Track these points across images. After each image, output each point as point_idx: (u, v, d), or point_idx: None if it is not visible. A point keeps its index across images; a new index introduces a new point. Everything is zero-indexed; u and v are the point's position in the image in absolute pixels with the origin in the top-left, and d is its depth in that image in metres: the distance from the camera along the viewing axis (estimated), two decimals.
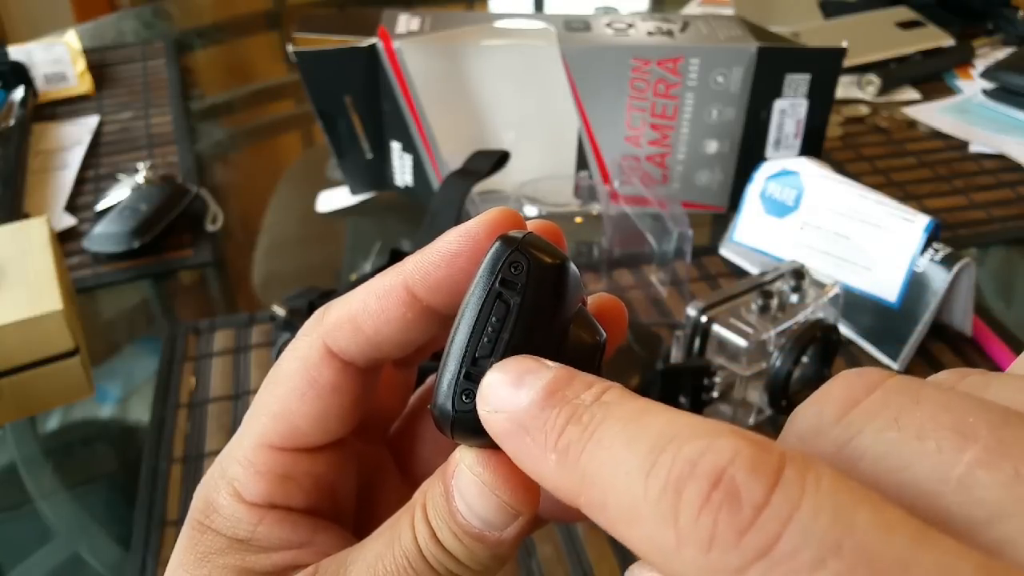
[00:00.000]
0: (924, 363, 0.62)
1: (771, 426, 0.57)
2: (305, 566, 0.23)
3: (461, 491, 0.21)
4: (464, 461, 0.21)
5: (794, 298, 0.56)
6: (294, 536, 0.23)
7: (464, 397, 0.20)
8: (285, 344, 0.59)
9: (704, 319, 0.53)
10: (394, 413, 0.29)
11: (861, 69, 0.98)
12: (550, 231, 0.22)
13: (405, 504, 0.23)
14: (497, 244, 0.20)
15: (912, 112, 0.94)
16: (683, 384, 0.53)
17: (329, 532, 0.24)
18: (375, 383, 0.25)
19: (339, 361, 0.24)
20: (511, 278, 0.20)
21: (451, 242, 0.22)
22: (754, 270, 0.70)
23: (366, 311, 0.23)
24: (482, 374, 0.19)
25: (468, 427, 0.20)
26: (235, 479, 0.24)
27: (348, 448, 0.26)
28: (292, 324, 0.61)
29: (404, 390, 0.29)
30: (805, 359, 0.55)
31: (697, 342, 0.54)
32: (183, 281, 0.74)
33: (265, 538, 0.23)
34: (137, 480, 0.54)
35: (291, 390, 0.24)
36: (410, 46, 0.71)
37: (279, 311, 0.62)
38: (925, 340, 0.61)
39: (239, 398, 0.60)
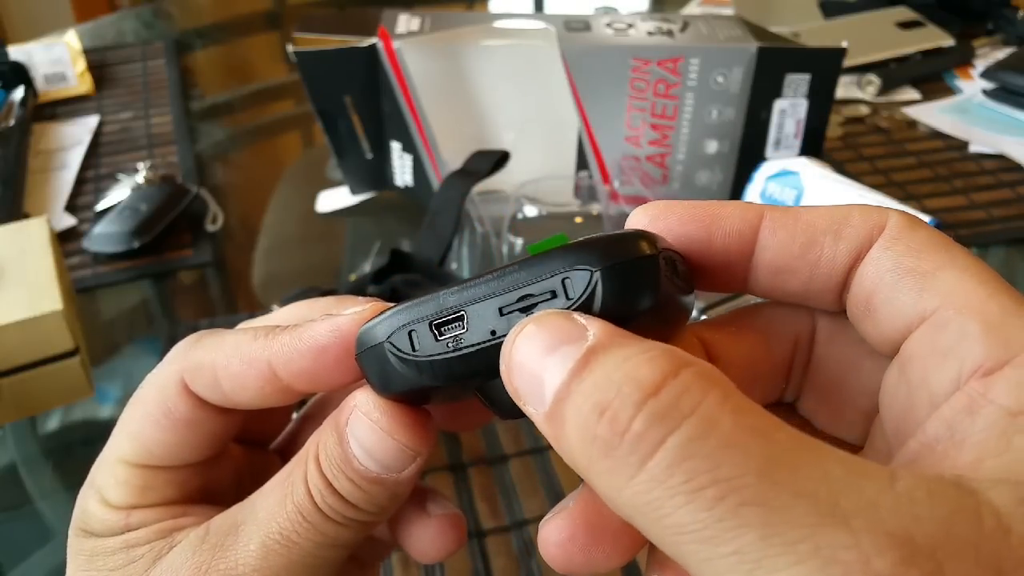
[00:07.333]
0: None
1: None
2: (190, 526, 0.23)
3: (357, 437, 0.21)
4: (360, 407, 0.21)
5: None
6: (168, 512, 0.24)
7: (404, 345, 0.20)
8: None
9: (704, 319, 0.53)
10: (277, 427, 0.29)
11: (861, 69, 0.98)
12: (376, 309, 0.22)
13: (295, 457, 0.23)
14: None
15: (912, 112, 0.94)
16: None
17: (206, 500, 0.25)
18: (238, 419, 0.25)
19: (196, 399, 0.24)
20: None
21: (321, 335, 0.22)
22: None
23: (228, 370, 0.23)
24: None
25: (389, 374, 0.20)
26: (102, 488, 0.24)
27: (220, 460, 0.26)
28: None
29: (286, 408, 0.28)
30: None
31: None
32: (183, 281, 0.74)
33: (139, 523, 0.24)
34: None
35: (146, 415, 0.24)
36: (410, 46, 0.71)
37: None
38: None
39: None
